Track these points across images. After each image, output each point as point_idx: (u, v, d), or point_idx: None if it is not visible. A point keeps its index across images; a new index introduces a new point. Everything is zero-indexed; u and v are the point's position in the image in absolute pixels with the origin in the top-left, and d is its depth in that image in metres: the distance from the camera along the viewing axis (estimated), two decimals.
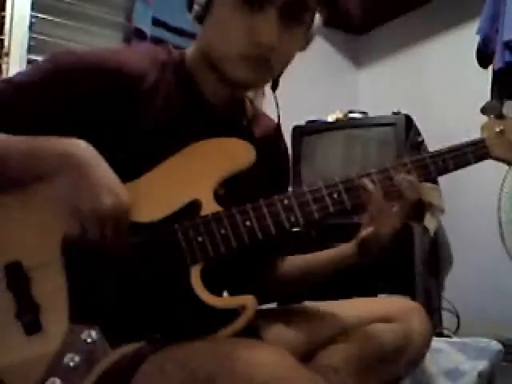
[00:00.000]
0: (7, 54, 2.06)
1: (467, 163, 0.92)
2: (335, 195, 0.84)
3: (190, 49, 0.95)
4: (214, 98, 0.93)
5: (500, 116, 0.95)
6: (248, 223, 0.80)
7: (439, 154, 0.90)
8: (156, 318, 0.77)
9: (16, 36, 2.09)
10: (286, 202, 0.82)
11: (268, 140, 1.03)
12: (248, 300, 0.78)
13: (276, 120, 1.04)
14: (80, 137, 0.79)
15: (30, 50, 2.12)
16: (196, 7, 0.86)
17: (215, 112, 0.93)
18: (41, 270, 0.75)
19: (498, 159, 0.95)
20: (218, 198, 0.82)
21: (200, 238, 0.78)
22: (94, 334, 0.73)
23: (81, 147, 0.77)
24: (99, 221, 0.74)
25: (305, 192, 0.84)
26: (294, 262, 1.07)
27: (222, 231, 0.79)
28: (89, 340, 0.73)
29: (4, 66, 2.05)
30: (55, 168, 0.76)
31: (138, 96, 0.85)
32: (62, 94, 0.82)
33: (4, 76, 2.03)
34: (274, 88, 0.97)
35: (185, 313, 0.78)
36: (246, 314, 0.77)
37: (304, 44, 0.93)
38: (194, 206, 0.81)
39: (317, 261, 1.03)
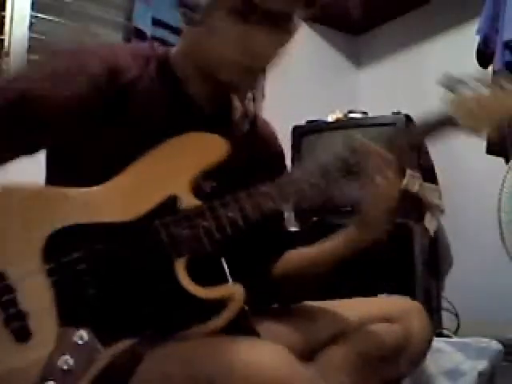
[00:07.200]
0: (7, 54, 2.06)
1: None
2: (313, 180, 0.85)
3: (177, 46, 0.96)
4: (198, 94, 0.93)
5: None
6: (230, 214, 0.80)
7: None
8: (146, 314, 0.77)
9: (16, 36, 2.09)
10: (264, 189, 0.83)
11: (259, 133, 1.04)
12: (235, 289, 0.79)
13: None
14: (65, 133, 0.80)
15: (30, 50, 2.12)
16: (189, 12, 0.86)
17: (200, 108, 0.93)
18: (25, 279, 0.74)
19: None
20: (206, 192, 0.84)
21: (182, 232, 0.79)
22: (85, 334, 0.73)
23: None
24: None
25: (285, 181, 0.84)
26: (293, 257, 1.04)
27: (205, 223, 0.80)
28: (80, 342, 0.73)
29: (4, 66, 2.05)
30: None
31: (119, 89, 0.86)
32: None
33: (4, 76, 2.03)
34: None
35: (174, 307, 0.78)
36: (235, 303, 0.77)
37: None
38: (172, 201, 0.81)
39: (323, 251, 0.99)
